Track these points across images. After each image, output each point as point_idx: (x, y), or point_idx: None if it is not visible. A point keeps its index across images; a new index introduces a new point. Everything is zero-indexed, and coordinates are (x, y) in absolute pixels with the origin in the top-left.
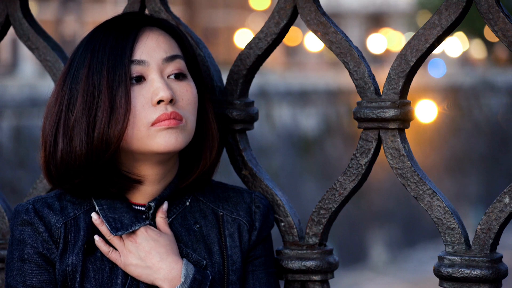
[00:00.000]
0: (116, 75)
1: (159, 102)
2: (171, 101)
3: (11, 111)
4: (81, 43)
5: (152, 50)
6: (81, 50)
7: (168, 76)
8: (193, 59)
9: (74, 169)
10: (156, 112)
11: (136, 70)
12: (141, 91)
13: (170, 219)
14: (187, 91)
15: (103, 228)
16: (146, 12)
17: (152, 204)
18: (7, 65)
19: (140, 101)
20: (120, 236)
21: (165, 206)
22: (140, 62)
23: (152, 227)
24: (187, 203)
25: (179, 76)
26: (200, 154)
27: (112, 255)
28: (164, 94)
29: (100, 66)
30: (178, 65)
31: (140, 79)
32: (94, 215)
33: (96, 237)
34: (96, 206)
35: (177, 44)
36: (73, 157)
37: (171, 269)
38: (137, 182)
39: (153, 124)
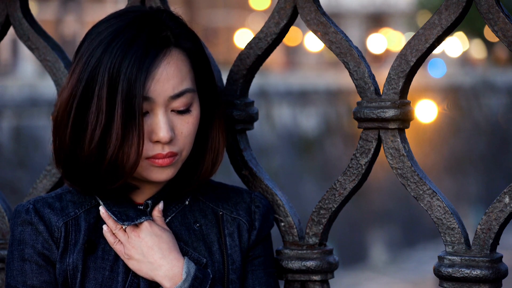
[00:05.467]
0: (129, 106)
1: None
2: (170, 141)
3: (11, 111)
4: (98, 44)
5: (161, 86)
6: (96, 60)
7: (172, 110)
8: (206, 77)
9: (77, 169)
10: (153, 150)
11: (144, 107)
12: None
13: (170, 218)
14: (188, 123)
15: (110, 221)
16: None
17: (149, 202)
18: (7, 65)
19: None
20: (125, 230)
21: (160, 205)
22: (148, 99)
23: (155, 223)
24: (186, 202)
25: (183, 111)
26: (203, 161)
27: (117, 246)
28: (163, 135)
29: (114, 91)
30: (185, 100)
31: (145, 114)
32: (101, 208)
33: (105, 227)
34: (100, 201)
35: (191, 66)
36: (76, 161)
37: (172, 266)
38: (135, 188)
39: (148, 158)
